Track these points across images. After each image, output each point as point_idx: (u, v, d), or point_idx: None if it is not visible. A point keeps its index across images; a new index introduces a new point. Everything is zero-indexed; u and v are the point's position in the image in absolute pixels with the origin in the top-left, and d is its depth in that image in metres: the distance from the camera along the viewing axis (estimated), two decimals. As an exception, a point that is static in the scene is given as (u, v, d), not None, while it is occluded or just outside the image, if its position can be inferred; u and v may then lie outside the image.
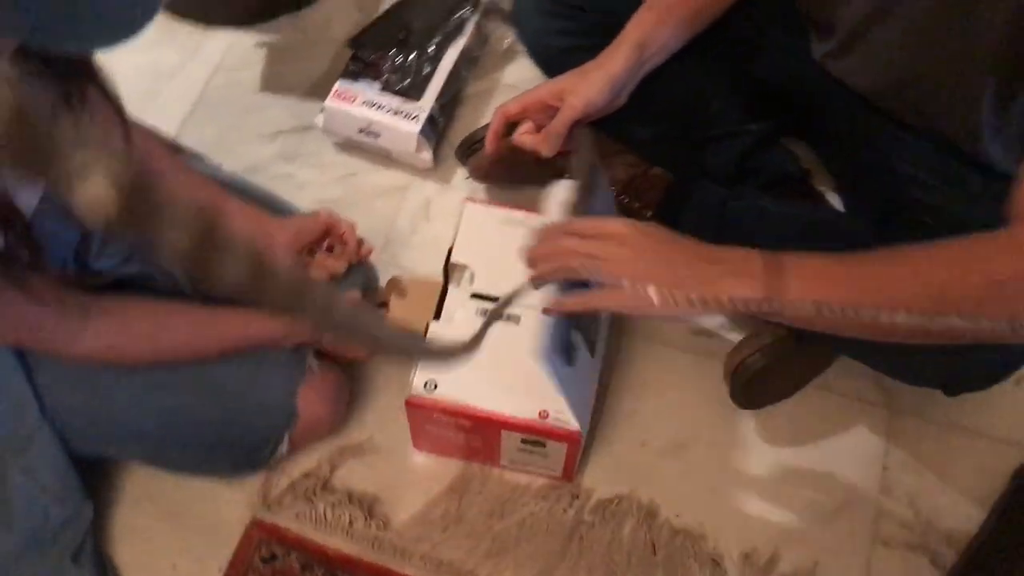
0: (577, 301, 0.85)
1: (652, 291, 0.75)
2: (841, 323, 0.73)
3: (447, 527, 1.09)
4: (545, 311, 0.89)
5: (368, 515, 1.10)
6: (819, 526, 1.11)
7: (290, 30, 1.50)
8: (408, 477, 1.13)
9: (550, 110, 0.99)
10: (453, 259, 1.06)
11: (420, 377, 1.00)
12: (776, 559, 1.09)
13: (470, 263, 1.06)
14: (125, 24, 0.56)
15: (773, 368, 1.10)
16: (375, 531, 1.09)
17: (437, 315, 1.03)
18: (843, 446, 1.17)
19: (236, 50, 1.48)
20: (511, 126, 1.04)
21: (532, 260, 0.86)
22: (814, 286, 0.73)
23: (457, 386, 0.99)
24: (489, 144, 1.05)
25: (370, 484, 1.12)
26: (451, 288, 1.05)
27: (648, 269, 0.77)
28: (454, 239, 1.08)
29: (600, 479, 1.13)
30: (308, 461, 1.13)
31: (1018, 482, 1.13)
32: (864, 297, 0.71)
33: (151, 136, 1.03)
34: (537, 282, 0.86)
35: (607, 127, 1.23)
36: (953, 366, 0.96)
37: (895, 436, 1.17)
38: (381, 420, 1.16)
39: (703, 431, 1.17)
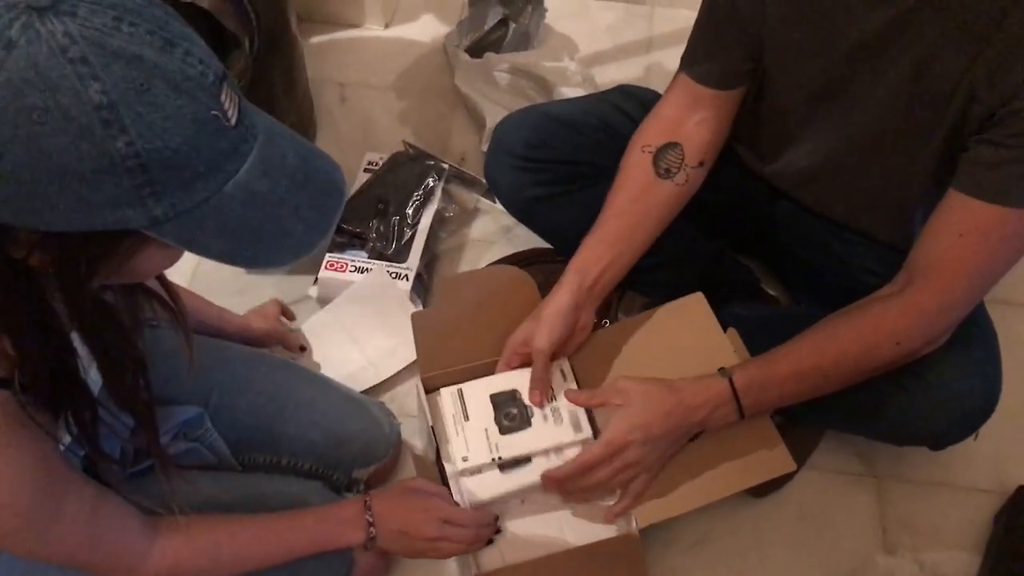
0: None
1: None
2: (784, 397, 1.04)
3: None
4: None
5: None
6: (840, 593, 1.21)
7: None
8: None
9: (527, 356, 1.12)
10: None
11: None
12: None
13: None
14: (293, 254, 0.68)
15: None
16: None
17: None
18: (844, 517, 1.29)
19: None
20: None
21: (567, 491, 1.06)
22: (760, 399, 1.03)
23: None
24: None
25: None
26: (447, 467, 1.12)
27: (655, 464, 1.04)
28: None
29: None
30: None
31: (1001, 525, 1.26)
32: (800, 389, 1.03)
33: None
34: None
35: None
36: (940, 425, 1.10)
37: (887, 501, 1.30)
38: (426, 567, 1.20)
39: (721, 524, 1.26)
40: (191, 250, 0.63)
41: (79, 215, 0.58)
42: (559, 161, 1.28)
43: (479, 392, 1.12)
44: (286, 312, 1.37)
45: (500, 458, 1.07)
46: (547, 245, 1.44)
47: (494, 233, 1.58)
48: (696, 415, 1.02)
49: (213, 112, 0.59)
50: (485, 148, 1.48)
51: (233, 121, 0.61)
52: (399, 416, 1.29)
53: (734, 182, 1.26)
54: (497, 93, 1.66)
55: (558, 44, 1.90)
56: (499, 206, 1.48)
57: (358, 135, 1.72)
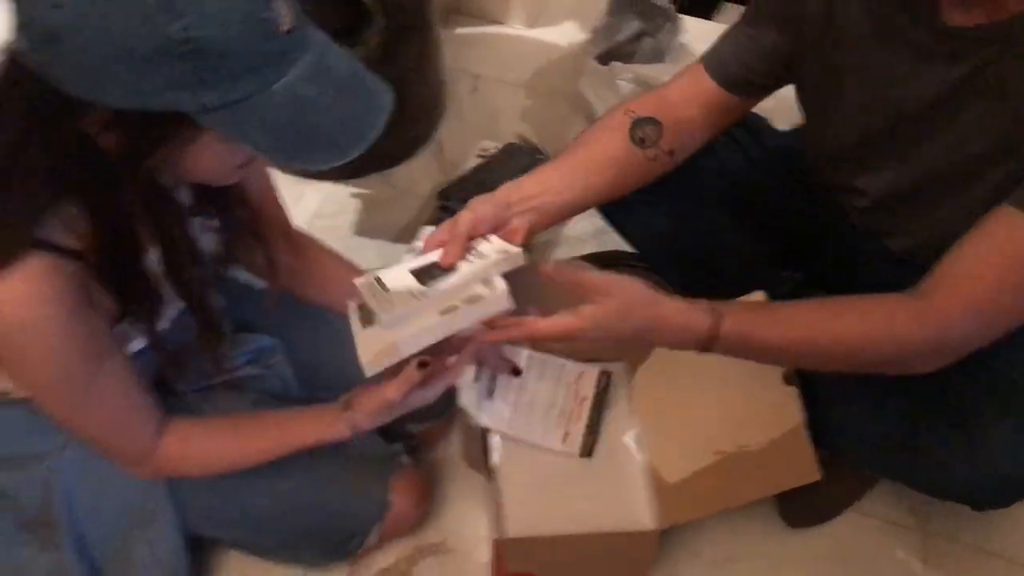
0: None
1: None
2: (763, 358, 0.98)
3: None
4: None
5: (442, 609, 1.19)
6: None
7: (380, 185, 1.72)
8: (480, 576, 1.23)
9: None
10: None
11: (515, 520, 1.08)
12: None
13: None
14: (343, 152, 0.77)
15: (819, 489, 1.20)
16: (448, 624, 1.18)
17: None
18: (880, 566, 1.26)
19: (332, 199, 1.70)
20: None
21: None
22: (734, 351, 0.95)
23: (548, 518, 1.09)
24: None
25: (444, 582, 1.22)
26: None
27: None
28: None
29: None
30: (386, 559, 1.24)
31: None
32: (783, 343, 0.93)
33: None
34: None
35: (656, 265, 1.41)
36: (980, 486, 1.08)
37: (931, 559, 1.26)
38: (456, 524, 1.27)
39: (753, 545, 1.27)
40: (237, 141, 0.72)
41: (139, 94, 0.68)
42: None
43: (397, 272, 0.98)
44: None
45: (419, 280, 0.94)
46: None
47: (588, 233, 1.63)
48: (662, 339, 0.98)
49: (263, 15, 0.69)
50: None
51: (286, 28, 0.70)
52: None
53: (808, 210, 1.26)
54: (617, 100, 1.71)
55: (688, 63, 1.92)
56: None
57: (481, 124, 1.81)
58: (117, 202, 0.80)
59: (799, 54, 1.06)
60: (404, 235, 1.61)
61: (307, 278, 1.19)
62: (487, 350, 1.08)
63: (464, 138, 1.76)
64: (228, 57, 0.69)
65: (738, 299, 1.12)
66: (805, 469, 1.09)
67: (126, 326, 0.91)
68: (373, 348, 0.90)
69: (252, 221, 1.03)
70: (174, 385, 1.09)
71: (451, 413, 1.31)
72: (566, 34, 2.02)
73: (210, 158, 0.78)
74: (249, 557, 1.22)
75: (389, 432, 1.24)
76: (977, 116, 0.91)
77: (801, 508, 1.24)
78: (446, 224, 1.00)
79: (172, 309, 0.98)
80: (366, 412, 0.99)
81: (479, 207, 1.02)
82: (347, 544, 1.16)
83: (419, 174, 1.74)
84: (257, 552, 1.22)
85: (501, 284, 0.92)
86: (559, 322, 0.93)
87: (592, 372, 1.13)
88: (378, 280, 0.96)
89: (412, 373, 0.94)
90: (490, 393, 1.12)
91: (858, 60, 0.98)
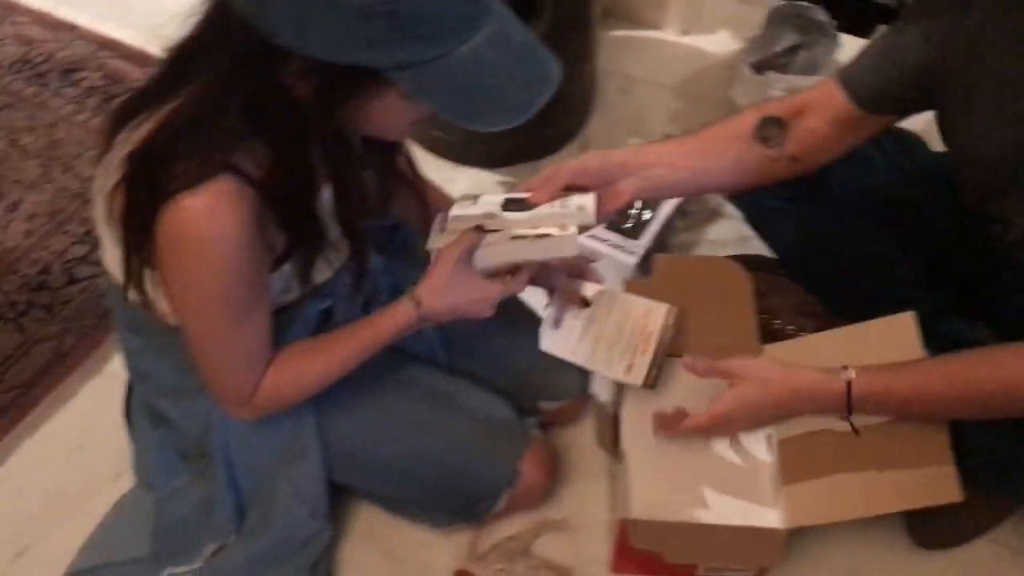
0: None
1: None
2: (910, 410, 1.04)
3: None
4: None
5: (561, 582, 1.22)
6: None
7: (527, 173, 1.76)
8: (601, 557, 1.25)
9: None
10: None
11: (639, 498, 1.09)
12: None
13: None
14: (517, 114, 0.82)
15: (952, 512, 1.16)
16: (566, 597, 1.21)
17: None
18: (1012, 600, 1.23)
19: (480, 183, 1.76)
20: None
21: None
22: (873, 411, 1.04)
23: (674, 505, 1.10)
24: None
25: (565, 558, 1.26)
26: None
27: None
28: None
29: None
30: (511, 527, 1.28)
31: None
32: (919, 411, 1.03)
33: None
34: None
35: (796, 275, 1.41)
36: None
37: (1063, 596, 1.22)
38: (578, 505, 1.31)
39: (875, 562, 1.25)
40: (422, 99, 0.79)
41: (340, 47, 0.75)
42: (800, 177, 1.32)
43: (491, 197, 1.06)
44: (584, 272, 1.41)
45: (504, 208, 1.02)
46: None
47: (730, 239, 1.64)
48: (805, 409, 1.06)
49: None
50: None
51: None
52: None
53: (958, 233, 1.23)
54: (768, 110, 1.71)
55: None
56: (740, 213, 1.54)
57: (629, 122, 1.85)
58: (302, 146, 0.87)
59: (942, 68, 1.04)
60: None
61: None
62: (559, 280, 1.14)
63: (611, 135, 1.80)
64: (426, 19, 0.75)
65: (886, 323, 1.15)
66: (947, 488, 1.07)
67: (287, 274, 0.99)
68: (444, 241, 1.02)
69: (410, 169, 1.10)
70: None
71: (583, 396, 1.34)
72: (719, 43, 2.03)
73: (390, 114, 0.85)
74: (377, 514, 1.29)
75: (521, 408, 1.29)
76: None
77: (933, 529, 1.22)
78: (551, 168, 1.06)
79: (328, 270, 1.05)
80: (428, 287, 1.01)
81: (589, 159, 1.08)
82: (476, 507, 1.21)
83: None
84: (391, 507, 1.29)
85: (573, 230, 0.99)
86: (709, 413, 1.05)
87: (660, 309, 1.15)
88: (475, 198, 1.06)
89: (470, 235, 1.00)
90: (557, 323, 1.14)
91: (1012, 74, 0.96)
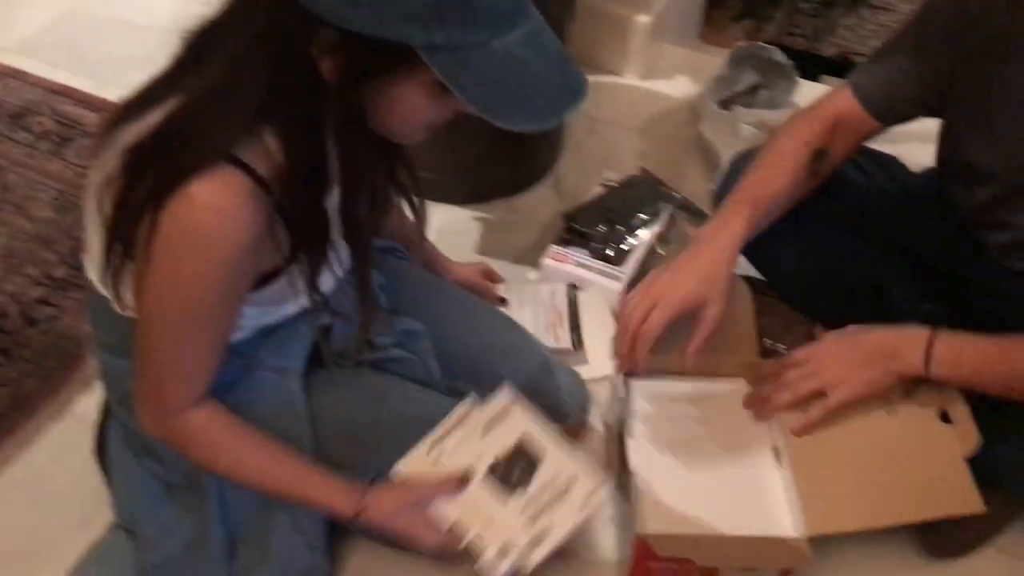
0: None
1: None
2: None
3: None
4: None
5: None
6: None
7: (502, 210, 1.77)
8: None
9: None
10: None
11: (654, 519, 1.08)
12: None
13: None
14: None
15: (963, 520, 1.13)
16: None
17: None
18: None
19: (455, 220, 1.74)
20: None
21: (762, 400, 1.15)
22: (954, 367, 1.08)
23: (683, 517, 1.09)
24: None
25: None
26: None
27: (842, 377, 1.12)
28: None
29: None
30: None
31: None
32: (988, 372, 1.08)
33: None
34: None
35: (792, 299, 1.42)
36: None
37: (1071, 600, 1.22)
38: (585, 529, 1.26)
39: (887, 571, 1.23)
40: (450, 84, 0.76)
41: (377, 20, 0.73)
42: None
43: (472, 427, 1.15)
44: (492, 275, 1.51)
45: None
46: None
47: (708, 267, 1.65)
48: (888, 363, 1.10)
49: None
50: (715, 186, 1.56)
51: None
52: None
53: (946, 243, 1.26)
54: (738, 143, 1.75)
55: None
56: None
57: (598, 160, 1.87)
58: (317, 132, 0.85)
59: (961, 72, 1.08)
60: (524, 258, 1.65)
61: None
62: (476, 286, 1.41)
63: (582, 172, 1.81)
64: (464, 6, 0.74)
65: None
66: (967, 498, 1.07)
67: (293, 276, 0.95)
68: (419, 467, 1.09)
69: (411, 181, 1.07)
70: (324, 357, 1.12)
71: (582, 416, 1.31)
72: (678, 87, 2.09)
73: (410, 106, 0.83)
74: (375, 554, 1.22)
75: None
76: None
77: (945, 539, 1.21)
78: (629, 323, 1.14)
79: (331, 279, 1.02)
80: (379, 505, 1.06)
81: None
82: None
83: (539, 203, 1.78)
84: (388, 542, 1.22)
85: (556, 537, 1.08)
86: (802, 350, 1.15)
87: (561, 288, 1.49)
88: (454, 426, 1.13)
89: (450, 485, 1.08)
90: None
91: None
